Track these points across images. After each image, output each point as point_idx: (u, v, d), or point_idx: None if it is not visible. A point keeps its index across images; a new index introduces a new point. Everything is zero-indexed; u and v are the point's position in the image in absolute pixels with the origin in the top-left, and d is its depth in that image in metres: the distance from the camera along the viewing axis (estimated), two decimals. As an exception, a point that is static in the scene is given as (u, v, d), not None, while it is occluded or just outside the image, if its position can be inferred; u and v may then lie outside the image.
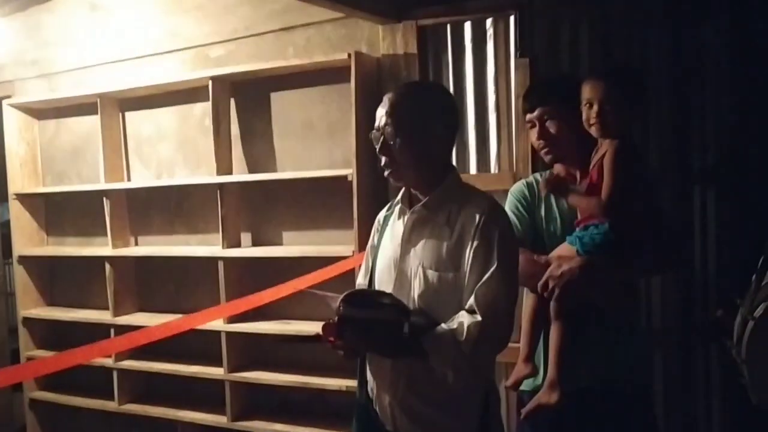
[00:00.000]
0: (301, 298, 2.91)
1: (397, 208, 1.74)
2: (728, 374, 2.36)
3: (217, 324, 3.19)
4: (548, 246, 1.93)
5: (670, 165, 2.44)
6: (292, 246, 3.28)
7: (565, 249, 1.87)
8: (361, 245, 2.86)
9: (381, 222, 1.81)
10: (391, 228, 1.74)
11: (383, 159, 1.64)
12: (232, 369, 3.25)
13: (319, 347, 3.10)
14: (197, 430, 3.45)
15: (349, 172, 2.88)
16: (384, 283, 1.69)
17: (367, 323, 1.53)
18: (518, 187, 2.07)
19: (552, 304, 1.85)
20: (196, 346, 3.42)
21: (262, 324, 3.20)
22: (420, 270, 1.61)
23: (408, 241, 1.65)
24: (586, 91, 1.83)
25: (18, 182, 3.96)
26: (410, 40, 2.85)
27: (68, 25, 3.85)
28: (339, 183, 2.92)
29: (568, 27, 2.52)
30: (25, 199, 3.98)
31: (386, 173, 1.65)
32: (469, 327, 1.50)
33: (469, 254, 1.56)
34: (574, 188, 1.90)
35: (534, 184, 2.05)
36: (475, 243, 1.55)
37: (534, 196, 2.01)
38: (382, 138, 1.62)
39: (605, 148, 1.83)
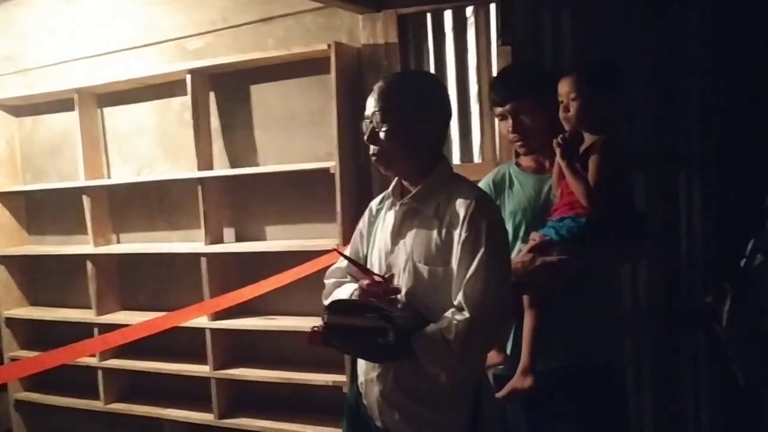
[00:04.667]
0: (285, 293, 2.89)
1: (388, 201, 1.70)
2: (716, 359, 2.36)
3: (202, 321, 3.16)
4: (513, 239, 1.93)
5: (654, 150, 2.42)
6: (276, 240, 3.24)
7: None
8: (345, 238, 2.84)
9: (373, 212, 1.77)
10: (383, 220, 1.70)
11: (372, 148, 1.60)
12: (218, 366, 3.23)
13: (305, 340, 3.09)
14: (184, 427, 3.43)
15: (332, 164, 2.85)
16: None
17: (352, 331, 1.49)
18: (482, 186, 2.03)
19: (526, 294, 1.84)
20: (181, 343, 3.39)
21: (247, 320, 3.18)
22: (409, 264, 1.56)
23: (398, 234, 1.61)
24: (559, 89, 1.82)
25: (-3, 180, 3.90)
26: (390, 29, 2.81)
27: (43, 20, 3.78)
28: (321, 176, 2.89)
29: (549, 13, 2.48)
30: (4, 197, 3.92)
31: (374, 161, 1.62)
32: (457, 324, 1.45)
33: (457, 247, 1.51)
34: (578, 158, 1.84)
35: (502, 176, 2.03)
36: (463, 235, 1.50)
37: (502, 191, 2.00)
38: (370, 126, 1.58)
39: (589, 142, 1.81)
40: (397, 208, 1.64)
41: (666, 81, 2.38)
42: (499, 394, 1.86)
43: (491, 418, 1.67)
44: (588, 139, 1.83)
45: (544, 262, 1.79)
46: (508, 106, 1.91)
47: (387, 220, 1.68)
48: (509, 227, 1.94)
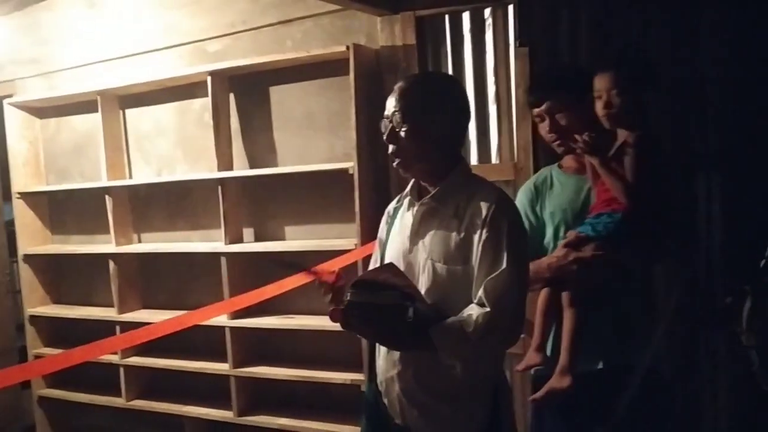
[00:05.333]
0: (304, 293, 2.91)
1: (406, 201, 1.71)
2: (735, 361, 2.35)
3: (221, 320, 3.20)
4: (554, 239, 1.94)
5: (674, 149, 2.41)
6: (295, 240, 3.28)
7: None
8: (364, 238, 2.86)
9: (391, 214, 1.79)
10: (400, 220, 1.71)
11: (391, 147, 1.61)
12: (237, 364, 3.26)
13: (323, 339, 3.10)
14: (203, 424, 3.47)
15: (350, 165, 2.87)
16: None
17: (372, 309, 1.51)
18: (525, 189, 2.07)
19: (565, 292, 1.86)
20: (201, 341, 3.43)
21: (266, 319, 3.21)
22: (428, 263, 1.58)
23: (416, 234, 1.63)
24: (596, 84, 1.84)
25: (21, 181, 3.97)
26: (408, 31, 2.83)
27: (66, 23, 3.85)
28: (340, 176, 2.92)
29: (566, 14, 2.49)
30: (28, 197, 3.99)
31: (395, 163, 1.63)
32: (477, 318, 1.47)
33: (477, 247, 1.53)
34: (609, 156, 1.87)
35: (544, 179, 2.05)
36: (484, 235, 1.52)
37: (543, 193, 2.02)
38: (390, 126, 1.60)
39: (623, 138, 1.83)
40: (416, 208, 1.65)
41: (684, 78, 2.37)
42: (537, 395, 1.88)
43: (509, 417, 1.69)
44: (621, 135, 1.83)
45: (577, 257, 1.81)
46: (544, 106, 1.95)
47: (405, 220, 1.69)
48: (549, 229, 1.97)
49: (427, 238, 1.61)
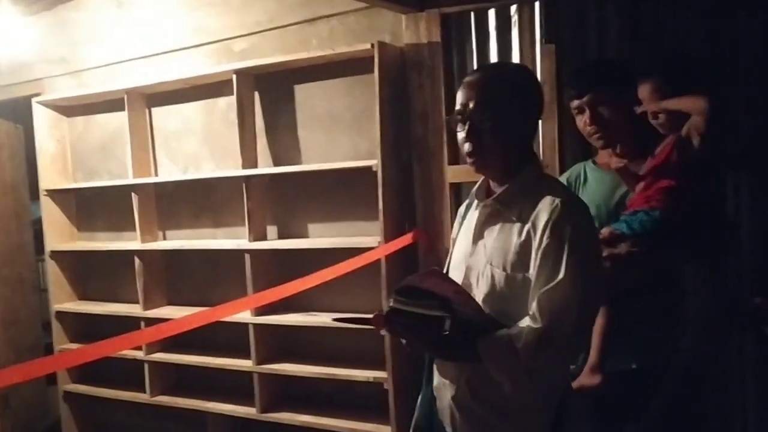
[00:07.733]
0: (327, 290, 2.91)
1: (474, 200, 1.62)
2: (764, 362, 2.32)
3: (245, 316, 3.23)
4: None
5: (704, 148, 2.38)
6: (318, 238, 3.29)
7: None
8: (387, 236, 2.87)
9: (462, 213, 1.69)
10: (468, 221, 1.62)
11: (467, 146, 1.48)
12: (260, 361, 3.28)
13: (346, 336, 3.11)
14: (227, 421, 3.50)
15: (374, 162, 2.87)
16: (455, 279, 1.56)
17: (412, 316, 1.44)
18: None
19: None
20: (225, 338, 3.46)
21: (289, 316, 3.23)
22: (487, 268, 1.48)
23: (478, 236, 1.53)
24: (640, 93, 1.84)
25: (49, 179, 4.02)
26: (434, 28, 2.83)
27: (94, 23, 3.90)
28: (364, 174, 2.92)
29: (594, 10, 2.47)
30: (55, 195, 4.05)
31: (470, 161, 1.51)
32: (527, 334, 1.36)
33: (536, 254, 1.40)
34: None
35: (577, 175, 2.04)
36: (545, 242, 1.39)
37: (576, 189, 2.00)
38: (469, 123, 1.47)
39: (671, 138, 1.82)
40: (480, 208, 1.55)
41: (715, 77, 2.34)
42: None
43: None
44: (670, 136, 1.83)
45: (611, 254, 1.77)
46: (585, 98, 1.90)
47: (470, 220, 1.60)
48: None
49: (488, 242, 1.50)
